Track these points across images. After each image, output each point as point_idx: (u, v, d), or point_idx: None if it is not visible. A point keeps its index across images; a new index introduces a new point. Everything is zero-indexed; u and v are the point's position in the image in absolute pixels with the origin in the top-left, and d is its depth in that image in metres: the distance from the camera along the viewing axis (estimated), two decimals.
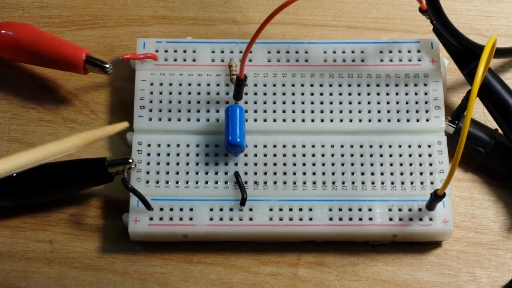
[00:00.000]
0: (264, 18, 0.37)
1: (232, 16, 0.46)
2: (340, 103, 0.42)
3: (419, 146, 0.41)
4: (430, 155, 0.41)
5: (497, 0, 0.46)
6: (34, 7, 0.46)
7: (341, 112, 0.42)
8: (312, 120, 0.41)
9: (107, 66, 0.42)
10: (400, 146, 0.41)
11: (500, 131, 0.42)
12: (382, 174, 0.41)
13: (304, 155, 0.41)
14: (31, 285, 0.40)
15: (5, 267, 0.40)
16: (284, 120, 0.41)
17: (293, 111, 0.42)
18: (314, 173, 0.41)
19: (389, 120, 0.42)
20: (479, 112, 0.42)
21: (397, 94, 0.42)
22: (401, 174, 0.41)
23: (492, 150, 0.41)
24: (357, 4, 0.46)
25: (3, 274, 0.40)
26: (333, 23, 0.46)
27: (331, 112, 0.42)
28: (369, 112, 0.42)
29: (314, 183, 0.40)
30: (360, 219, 0.40)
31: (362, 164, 0.41)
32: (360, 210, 0.40)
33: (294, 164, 0.41)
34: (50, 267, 0.40)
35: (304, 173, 0.41)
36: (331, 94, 0.42)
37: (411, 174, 0.41)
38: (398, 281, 0.40)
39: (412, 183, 0.41)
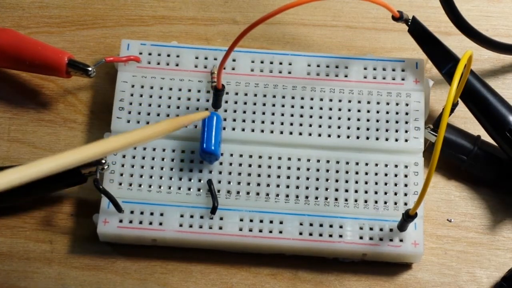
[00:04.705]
0: None
1: (232, 16, 0.46)
2: (320, 117, 0.42)
3: (396, 166, 0.41)
4: (406, 176, 0.41)
5: (497, 0, 0.46)
6: (34, 7, 0.46)
7: (320, 126, 0.41)
8: (290, 133, 0.41)
9: (90, 69, 0.42)
10: (376, 165, 0.41)
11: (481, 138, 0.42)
12: (356, 191, 0.40)
13: (279, 167, 0.41)
14: (31, 285, 0.40)
15: (5, 267, 0.40)
16: (262, 131, 0.41)
17: (272, 123, 0.41)
18: (287, 186, 0.40)
19: (367, 138, 0.41)
20: None
21: (377, 112, 0.42)
22: (375, 193, 0.40)
23: (474, 157, 0.41)
24: (357, 4, 0.46)
25: (3, 274, 0.40)
26: (333, 23, 0.46)
27: (310, 126, 0.41)
28: (348, 128, 0.41)
29: (287, 196, 0.40)
30: (330, 236, 0.40)
31: (337, 180, 0.41)
32: (331, 226, 0.40)
33: (269, 176, 0.41)
34: (50, 267, 0.40)
35: (278, 186, 0.40)
36: (311, 108, 0.42)
37: (385, 193, 0.40)
38: (398, 281, 0.40)
39: (385, 202, 0.40)
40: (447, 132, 0.41)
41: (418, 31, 0.42)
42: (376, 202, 0.40)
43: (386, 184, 0.41)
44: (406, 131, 0.41)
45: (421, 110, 0.42)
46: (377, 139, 0.41)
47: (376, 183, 0.41)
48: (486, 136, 0.41)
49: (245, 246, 0.40)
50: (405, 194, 0.40)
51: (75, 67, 0.42)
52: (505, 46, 0.43)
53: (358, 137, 0.41)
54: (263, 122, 0.41)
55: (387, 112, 0.42)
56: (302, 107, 0.42)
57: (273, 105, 0.42)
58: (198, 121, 0.41)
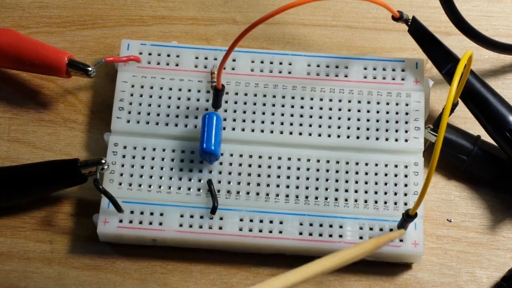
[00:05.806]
0: None
1: (232, 16, 0.46)
2: (320, 117, 0.42)
3: (396, 166, 0.41)
4: (406, 176, 0.41)
5: (497, 0, 0.46)
6: (34, 7, 0.46)
7: (320, 126, 0.41)
8: (290, 133, 0.41)
9: (90, 69, 0.42)
10: (376, 165, 0.41)
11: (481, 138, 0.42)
12: (356, 191, 0.40)
13: (279, 167, 0.41)
14: (31, 285, 0.40)
15: (5, 267, 0.40)
16: (262, 131, 0.41)
17: (272, 123, 0.41)
18: (287, 186, 0.40)
19: (367, 138, 0.41)
20: None
21: (377, 112, 0.42)
22: (375, 193, 0.40)
23: (474, 157, 0.41)
24: (357, 4, 0.46)
25: (3, 274, 0.40)
26: (333, 23, 0.46)
27: (310, 126, 0.41)
28: (348, 128, 0.41)
29: (287, 196, 0.40)
30: (330, 236, 0.40)
31: (337, 180, 0.41)
32: (331, 226, 0.40)
33: (269, 176, 0.41)
34: (50, 267, 0.40)
35: (278, 186, 0.40)
36: (311, 108, 0.42)
37: (385, 193, 0.40)
38: (398, 281, 0.40)
39: (385, 202, 0.40)
40: (447, 132, 0.41)
41: (418, 31, 0.42)
42: (376, 202, 0.40)
43: (386, 184, 0.41)
44: (406, 131, 0.41)
45: (421, 110, 0.42)
46: (377, 139, 0.41)
47: (376, 183, 0.41)
48: (486, 136, 0.41)
49: (245, 246, 0.40)
50: (405, 194, 0.40)
51: (75, 67, 0.42)
52: (505, 46, 0.43)
53: (358, 137, 0.41)
54: (263, 122, 0.42)
55: (387, 112, 0.42)
56: (302, 107, 0.42)
57: (273, 105, 0.42)
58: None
